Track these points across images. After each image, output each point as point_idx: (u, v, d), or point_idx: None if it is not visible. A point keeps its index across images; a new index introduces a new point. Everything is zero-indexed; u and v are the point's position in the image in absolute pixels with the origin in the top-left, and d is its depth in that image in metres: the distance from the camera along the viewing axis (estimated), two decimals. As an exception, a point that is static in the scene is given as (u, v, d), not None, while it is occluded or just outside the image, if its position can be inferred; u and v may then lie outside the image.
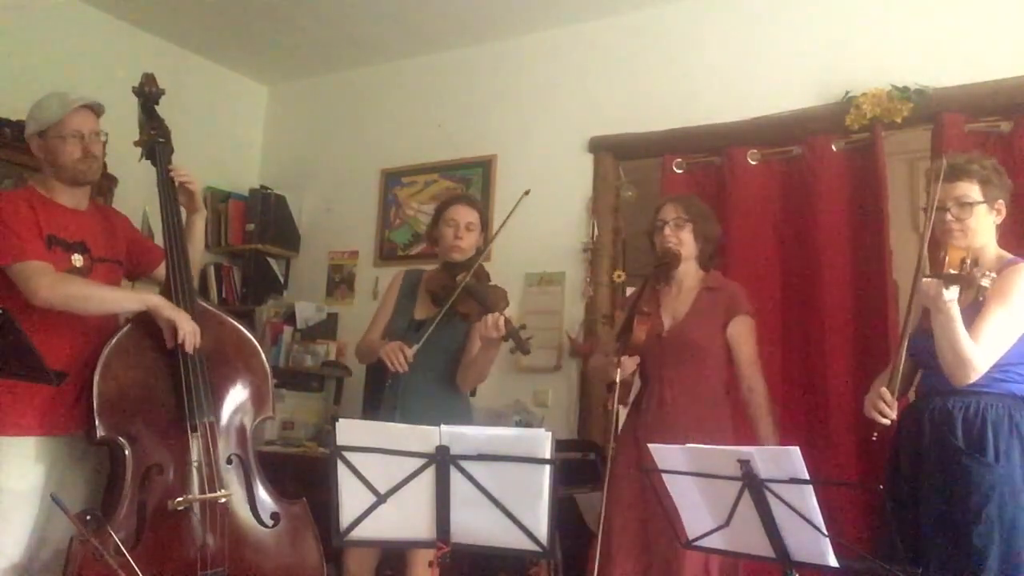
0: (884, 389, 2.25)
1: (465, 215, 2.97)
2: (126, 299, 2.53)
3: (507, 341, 2.71)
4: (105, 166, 3.72)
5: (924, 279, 2.15)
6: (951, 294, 2.11)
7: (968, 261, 2.09)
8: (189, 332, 2.50)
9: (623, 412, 2.79)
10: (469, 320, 2.83)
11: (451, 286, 2.81)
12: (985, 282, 2.03)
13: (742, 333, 2.74)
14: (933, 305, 2.16)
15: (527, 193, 3.00)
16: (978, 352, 2.19)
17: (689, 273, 2.84)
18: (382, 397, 2.91)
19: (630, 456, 2.70)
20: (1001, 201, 2.38)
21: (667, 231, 2.81)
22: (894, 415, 2.26)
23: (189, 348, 2.50)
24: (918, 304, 2.26)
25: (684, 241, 2.80)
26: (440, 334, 2.82)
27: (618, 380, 2.59)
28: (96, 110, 2.64)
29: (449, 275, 2.88)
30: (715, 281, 2.84)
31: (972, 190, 2.33)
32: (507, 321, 2.67)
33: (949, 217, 2.33)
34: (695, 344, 2.73)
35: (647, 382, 2.81)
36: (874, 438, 2.31)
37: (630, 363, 2.65)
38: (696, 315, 2.77)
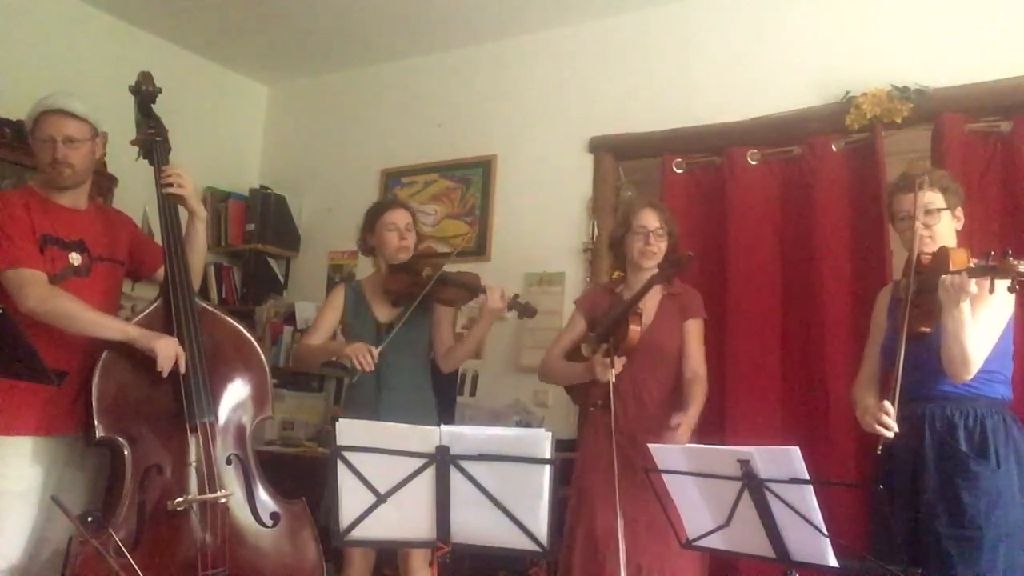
0: (887, 403, 2.30)
1: (403, 217, 3.06)
2: (109, 328, 2.47)
3: (511, 311, 2.90)
4: (105, 165, 3.76)
5: (947, 274, 2.19)
6: (975, 288, 2.14)
7: (992, 252, 2.08)
8: (170, 359, 2.46)
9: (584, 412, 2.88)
10: (456, 305, 3.03)
11: (421, 281, 2.93)
12: (1022, 267, 1.99)
13: (695, 332, 2.89)
14: (956, 300, 2.18)
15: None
16: (978, 347, 2.24)
17: None
18: (349, 394, 3.07)
19: (608, 458, 2.73)
20: (960, 209, 2.51)
21: (651, 239, 2.86)
22: (896, 428, 2.28)
23: (182, 369, 2.48)
24: (881, 307, 2.32)
25: (661, 251, 2.88)
26: (408, 331, 2.95)
27: (612, 381, 2.65)
28: (75, 114, 2.53)
29: (409, 273, 2.98)
30: (676, 288, 2.94)
31: (936, 198, 2.45)
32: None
33: (917, 224, 2.42)
34: (664, 348, 2.84)
35: (618, 383, 2.79)
36: (879, 452, 2.32)
37: (620, 364, 2.71)
38: (663, 320, 2.87)
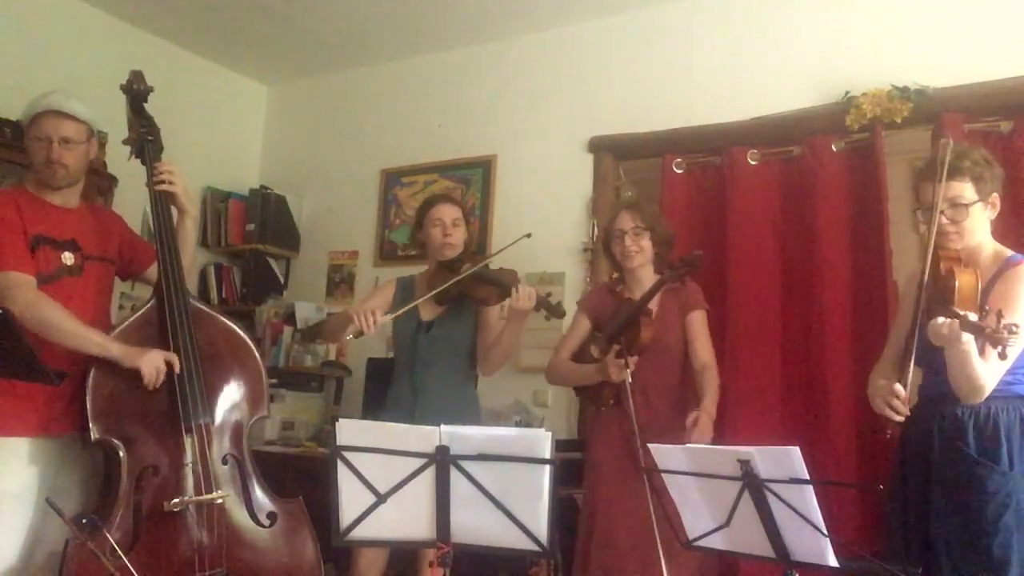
0: (898, 386, 2.16)
1: (450, 212, 3.00)
2: (91, 342, 2.44)
3: (539, 311, 2.80)
4: (105, 165, 3.75)
5: (939, 320, 2.00)
6: (968, 337, 1.97)
7: (990, 310, 1.88)
8: (153, 373, 2.44)
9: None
10: (488, 304, 2.89)
11: (459, 278, 2.86)
12: (1012, 341, 1.82)
13: (699, 323, 2.89)
14: (948, 345, 2.03)
15: (529, 236, 2.99)
16: (990, 374, 2.09)
17: (649, 277, 2.92)
18: (388, 395, 2.99)
19: (623, 458, 2.74)
20: (995, 195, 2.29)
21: (627, 241, 2.89)
22: (907, 412, 2.18)
23: (176, 369, 2.47)
24: (908, 292, 2.20)
25: (644, 248, 2.90)
26: (451, 331, 2.92)
27: (628, 380, 2.65)
28: (72, 115, 2.53)
29: (449, 270, 2.91)
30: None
31: (965, 190, 2.24)
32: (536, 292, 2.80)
33: (944, 220, 2.23)
34: (668, 346, 2.85)
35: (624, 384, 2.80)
36: (888, 436, 2.23)
37: (633, 363, 2.70)
38: (663, 317, 2.87)
